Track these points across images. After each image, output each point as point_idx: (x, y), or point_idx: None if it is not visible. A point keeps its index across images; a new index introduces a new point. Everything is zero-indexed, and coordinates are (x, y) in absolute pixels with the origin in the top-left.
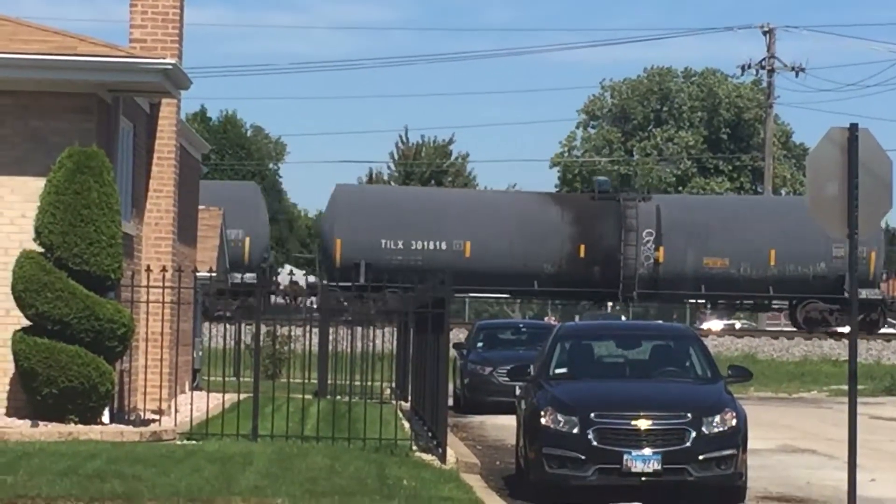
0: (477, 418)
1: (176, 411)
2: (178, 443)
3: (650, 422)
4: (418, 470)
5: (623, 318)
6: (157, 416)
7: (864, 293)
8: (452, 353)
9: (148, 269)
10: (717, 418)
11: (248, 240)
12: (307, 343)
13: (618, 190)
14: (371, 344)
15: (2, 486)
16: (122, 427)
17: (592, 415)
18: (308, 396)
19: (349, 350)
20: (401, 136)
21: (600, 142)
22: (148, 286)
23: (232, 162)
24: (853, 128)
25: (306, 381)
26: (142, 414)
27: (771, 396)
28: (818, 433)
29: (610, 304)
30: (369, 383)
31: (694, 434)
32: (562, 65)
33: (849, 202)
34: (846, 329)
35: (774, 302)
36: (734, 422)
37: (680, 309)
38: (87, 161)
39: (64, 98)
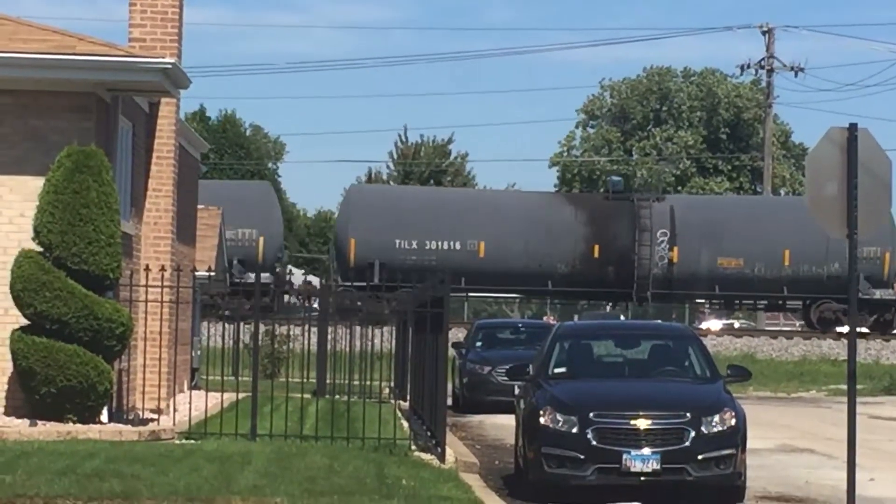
0: (476, 418)
1: (174, 410)
2: (177, 442)
3: (649, 421)
4: (417, 469)
5: (622, 317)
6: (155, 416)
7: (878, 293)
8: (451, 352)
9: (147, 269)
10: (717, 418)
11: (262, 239)
12: (306, 342)
13: (631, 190)
14: (370, 343)
15: (0, 486)
16: (120, 426)
17: (591, 414)
18: (307, 396)
19: (348, 349)
20: (400, 136)
21: (599, 141)
22: (147, 285)
23: (231, 161)
24: (853, 128)
25: (305, 380)
26: (140, 413)
27: (770, 396)
28: (817, 433)
29: (609, 304)
30: (368, 383)
31: (693, 434)
32: (562, 64)
33: (848, 202)
34: (864, 329)
35: (788, 302)
36: (733, 421)
37: (679, 308)
38: (86, 160)
39: (63, 97)
